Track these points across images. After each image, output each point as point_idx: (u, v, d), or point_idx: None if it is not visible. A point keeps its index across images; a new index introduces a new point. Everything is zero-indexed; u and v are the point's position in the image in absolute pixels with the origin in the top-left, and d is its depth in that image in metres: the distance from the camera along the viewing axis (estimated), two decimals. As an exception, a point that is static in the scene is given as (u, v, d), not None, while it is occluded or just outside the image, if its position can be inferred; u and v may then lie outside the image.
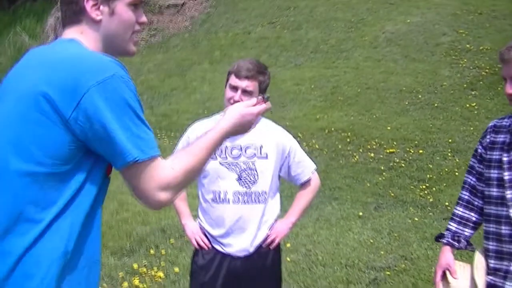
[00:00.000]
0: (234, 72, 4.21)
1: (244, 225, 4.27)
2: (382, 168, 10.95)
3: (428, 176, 10.49)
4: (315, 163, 4.73)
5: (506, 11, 18.11)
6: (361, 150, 11.75)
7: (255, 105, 2.70)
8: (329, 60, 17.12)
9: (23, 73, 2.43)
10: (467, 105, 13.29)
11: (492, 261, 3.58)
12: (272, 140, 4.37)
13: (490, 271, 3.59)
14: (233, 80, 4.19)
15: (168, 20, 23.18)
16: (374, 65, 16.24)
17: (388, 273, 7.01)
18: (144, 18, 2.61)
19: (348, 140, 12.22)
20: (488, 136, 3.71)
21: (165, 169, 2.38)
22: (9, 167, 2.32)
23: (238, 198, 4.24)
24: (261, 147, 4.30)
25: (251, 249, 4.29)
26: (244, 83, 4.14)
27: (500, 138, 3.61)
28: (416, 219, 8.75)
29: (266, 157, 4.30)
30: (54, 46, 2.51)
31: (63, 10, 2.54)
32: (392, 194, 9.86)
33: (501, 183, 3.53)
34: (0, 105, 2.43)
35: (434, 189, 9.93)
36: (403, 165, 11.03)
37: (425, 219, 8.74)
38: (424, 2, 19.83)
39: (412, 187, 10.17)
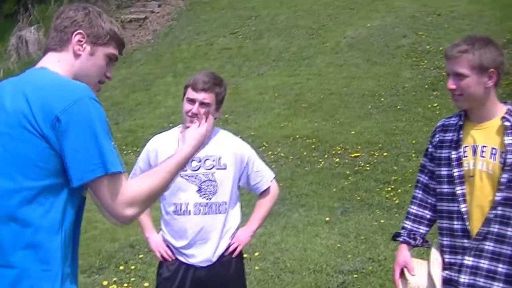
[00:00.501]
0: (190, 86, 4.29)
1: (206, 236, 4.34)
2: (348, 172, 11.03)
3: (393, 178, 10.57)
4: (274, 172, 4.79)
5: (464, 12, 18.31)
6: (326, 156, 11.82)
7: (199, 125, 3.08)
8: (292, 68, 17.19)
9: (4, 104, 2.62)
10: (429, 106, 13.42)
11: (447, 256, 3.68)
12: (230, 151, 4.42)
13: (446, 266, 3.69)
14: (190, 93, 4.26)
15: (130, 35, 23.13)
16: (336, 71, 16.34)
17: (355, 276, 7.08)
18: (110, 74, 2.92)
19: (313, 146, 12.28)
20: (437, 135, 3.83)
21: (131, 186, 2.56)
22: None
23: (199, 209, 4.30)
24: (219, 158, 4.36)
25: (214, 259, 4.36)
26: (201, 96, 4.22)
27: (448, 136, 3.73)
28: (383, 221, 8.82)
29: (225, 167, 4.36)
30: (30, 75, 2.74)
31: (52, 36, 2.81)
32: (358, 198, 9.93)
33: (451, 179, 3.64)
34: None
35: (399, 190, 10.00)
36: (368, 168, 11.11)
37: (391, 220, 8.81)
38: (383, 6, 19.98)
39: (378, 189, 10.24)
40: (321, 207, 9.63)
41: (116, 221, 2.57)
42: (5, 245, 2.51)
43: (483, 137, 3.57)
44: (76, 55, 2.77)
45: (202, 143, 3.04)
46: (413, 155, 11.14)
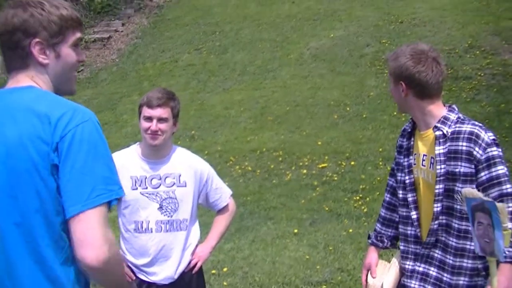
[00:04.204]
0: (145, 104, 4.26)
1: (168, 253, 4.32)
2: (316, 183, 11.01)
3: (361, 186, 10.58)
4: (230, 188, 4.80)
5: (425, 18, 18.47)
6: (293, 168, 11.80)
7: None
8: (257, 81, 17.21)
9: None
10: (395, 113, 13.43)
11: (403, 261, 3.72)
12: (190, 168, 4.41)
13: (404, 271, 3.71)
14: (147, 111, 4.24)
15: (95, 55, 23.06)
16: (301, 82, 16.38)
17: (324, 286, 7.06)
18: (83, 56, 2.68)
19: (280, 159, 12.26)
20: (399, 140, 3.83)
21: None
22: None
23: (161, 226, 4.28)
24: (179, 176, 4.34)
25: (176, 276, 4.34)
26: (158, 112, 4.20)
27: (404, 142, 3.73)
28: (351, 230, 8.81)
29: (185, 185, 4.35)
30: (18, 94, 2.51)
31: (8, 55, 2.55)
32: (327, 208, 9.91)
33: (404, 185, 3.64)
34: None
35: (367, 199, 10.00)
36: (336, 178, 11.11)
37: (359, 229, 8.79)
38: (346, 16, 20.13)
39: (346, 199, 10.24)
40: (289, 219, 9.59)
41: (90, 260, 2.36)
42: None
43: (424, 146, 3.57)
44: (44, 65, 2.52)
45: None
46: (381, 163, 11.17)
